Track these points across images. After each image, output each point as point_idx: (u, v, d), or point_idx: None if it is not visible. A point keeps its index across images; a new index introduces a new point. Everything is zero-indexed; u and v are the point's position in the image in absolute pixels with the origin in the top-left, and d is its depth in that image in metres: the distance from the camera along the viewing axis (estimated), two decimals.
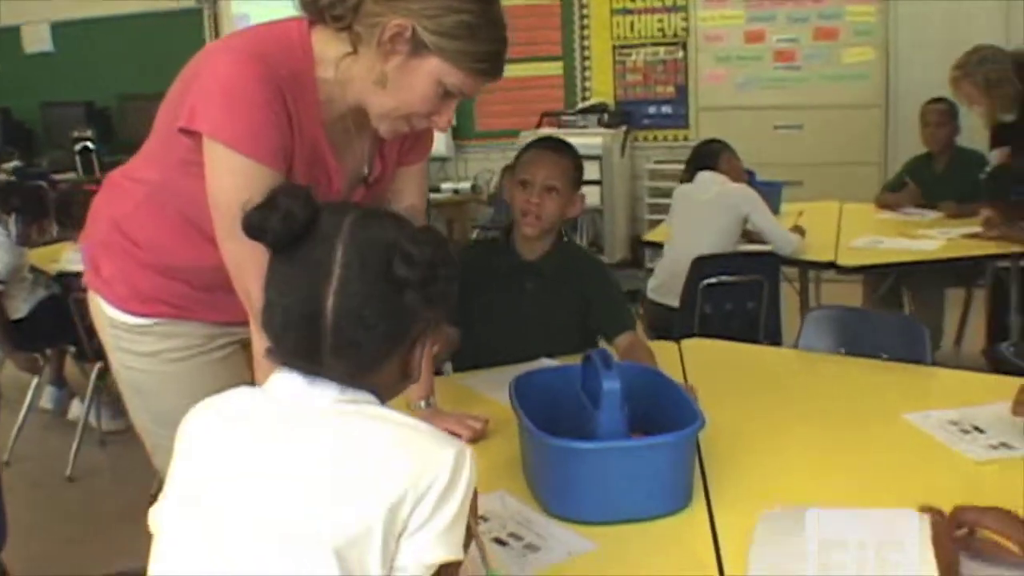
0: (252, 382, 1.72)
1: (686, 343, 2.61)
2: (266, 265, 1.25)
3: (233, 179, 1.57)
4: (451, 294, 1.20)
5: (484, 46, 1.60)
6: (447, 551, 1.12)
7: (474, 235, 7.11)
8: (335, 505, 1.09)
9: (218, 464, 1.18)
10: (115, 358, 1.90)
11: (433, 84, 1.61)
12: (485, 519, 1.58)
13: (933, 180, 4.86)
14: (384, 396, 1.22)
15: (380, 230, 1.18)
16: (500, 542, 1.52)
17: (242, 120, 1.57)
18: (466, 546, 1.21)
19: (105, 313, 1.85)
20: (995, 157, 4.53)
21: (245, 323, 1.74)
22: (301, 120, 1.64)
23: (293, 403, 1.18)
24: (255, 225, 1.16)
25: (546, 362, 2.31)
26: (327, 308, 1.14)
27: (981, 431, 1.90)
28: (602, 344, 2.42)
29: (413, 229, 1.20)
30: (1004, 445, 1.83)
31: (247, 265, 1.57)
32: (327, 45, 1.64)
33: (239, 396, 1.24)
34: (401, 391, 1.28)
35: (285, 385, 1.19)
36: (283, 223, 1.15)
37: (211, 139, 1.58)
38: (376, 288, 1.15)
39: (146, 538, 1.21)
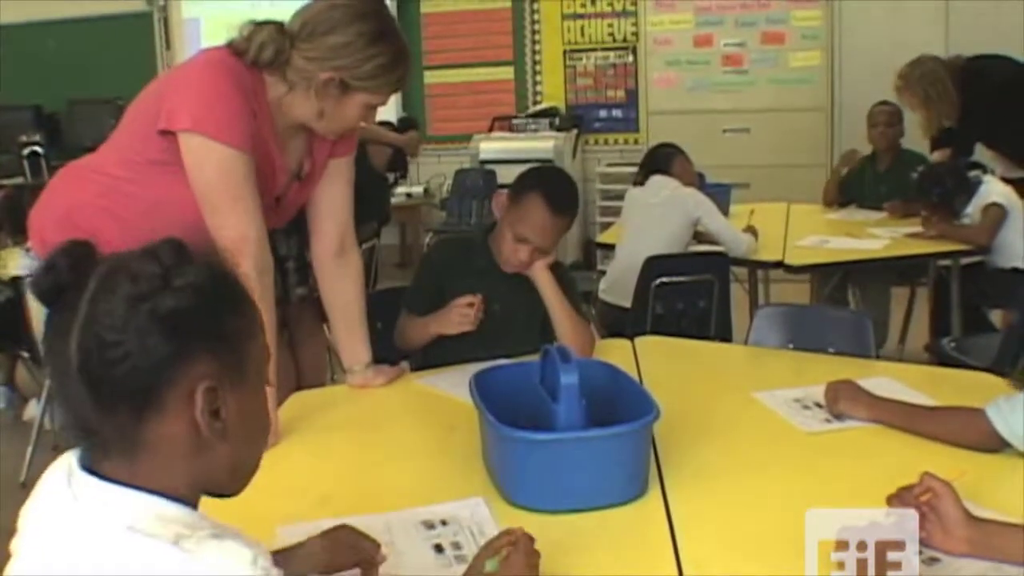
0: None
1: (640, 340, 2.65)
2: (257, 242, 1.74)
3: (214, 166, 1.82)
4: (237, 330, 1.01)
5: (398, 72, 1.97)
6: None
7: (427, 239, 7.13)
8: None
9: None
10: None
11: (362, 109, 1.99)
12: (445, 523, 1.59)
13: (875, 179, 4.99)
14: (174, 479, 0.98)
15: (135, 261, 0.97)
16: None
17: (218, 112, 1.81)
18: None
19: None
20: (935, 158, 4.67)
21: None
22: (258, 122, 1.91)
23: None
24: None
25: (503, 362, 2.35)
26: (72, 348, 0.94)
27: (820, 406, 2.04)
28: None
29: (181, 258, 0.99)
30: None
31: (239, 244, 1.81)
32: (271, 79, 1.97)
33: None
34: (209, 470, 1.01)
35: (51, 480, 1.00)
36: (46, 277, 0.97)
37: (191, 133, 1.80)
38: (122, 313, 0.93)
39: None
